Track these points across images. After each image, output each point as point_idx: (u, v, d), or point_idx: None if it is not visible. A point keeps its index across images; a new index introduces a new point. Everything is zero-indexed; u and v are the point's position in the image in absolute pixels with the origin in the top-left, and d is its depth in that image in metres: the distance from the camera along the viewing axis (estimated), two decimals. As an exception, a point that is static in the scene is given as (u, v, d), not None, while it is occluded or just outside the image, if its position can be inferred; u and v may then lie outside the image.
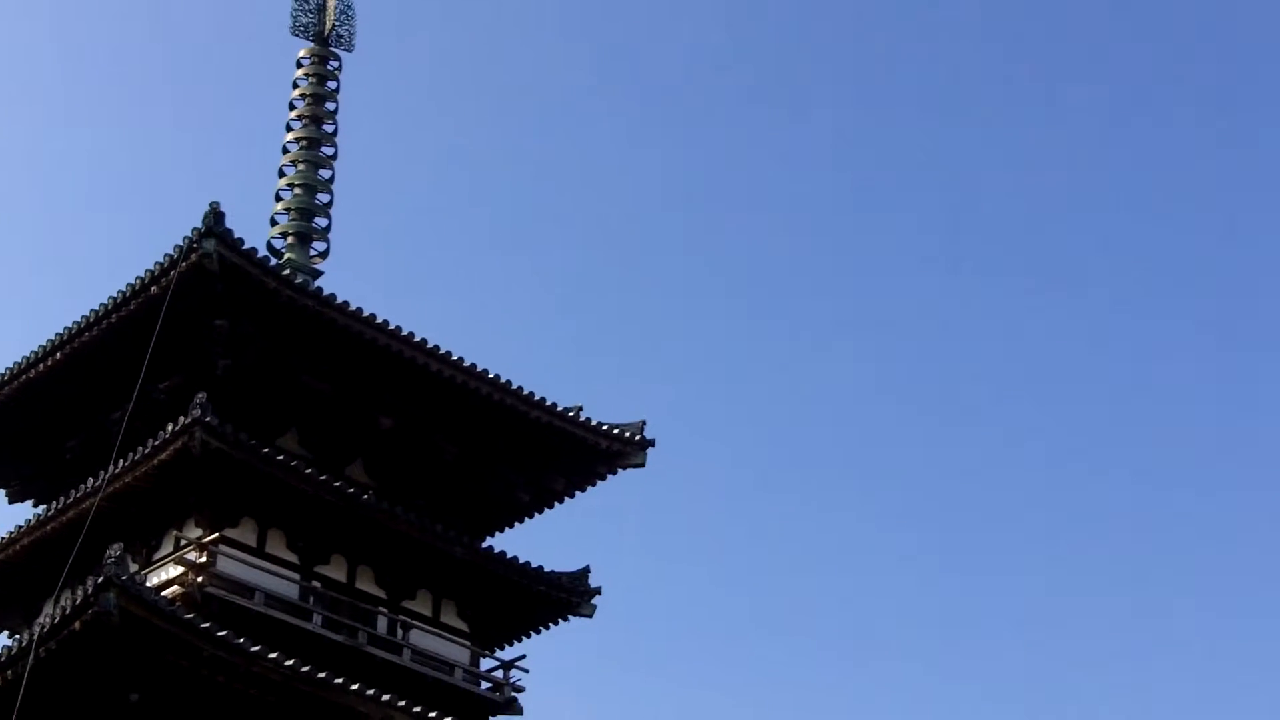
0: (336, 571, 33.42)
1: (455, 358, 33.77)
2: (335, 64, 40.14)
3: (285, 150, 39.19)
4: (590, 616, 35.54)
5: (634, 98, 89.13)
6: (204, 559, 31.20)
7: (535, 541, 39.69)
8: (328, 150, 39.31)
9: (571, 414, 35.42)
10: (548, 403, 35.01)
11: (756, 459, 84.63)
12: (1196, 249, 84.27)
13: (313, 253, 38.05)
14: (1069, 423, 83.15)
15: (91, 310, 32.44)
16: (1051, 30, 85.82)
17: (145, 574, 30.85)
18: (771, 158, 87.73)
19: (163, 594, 29.33)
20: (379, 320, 32.93)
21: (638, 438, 35.88)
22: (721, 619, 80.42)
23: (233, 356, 32.78)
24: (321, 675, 28.77)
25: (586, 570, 35.41)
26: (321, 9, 40.20)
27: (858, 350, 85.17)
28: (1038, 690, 75.85)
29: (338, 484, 32.16)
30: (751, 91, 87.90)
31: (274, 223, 38.27)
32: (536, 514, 37.76)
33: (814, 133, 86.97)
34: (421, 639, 33.96)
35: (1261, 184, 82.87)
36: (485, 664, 35.17)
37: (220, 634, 27.71)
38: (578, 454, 36.18)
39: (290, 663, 28.44)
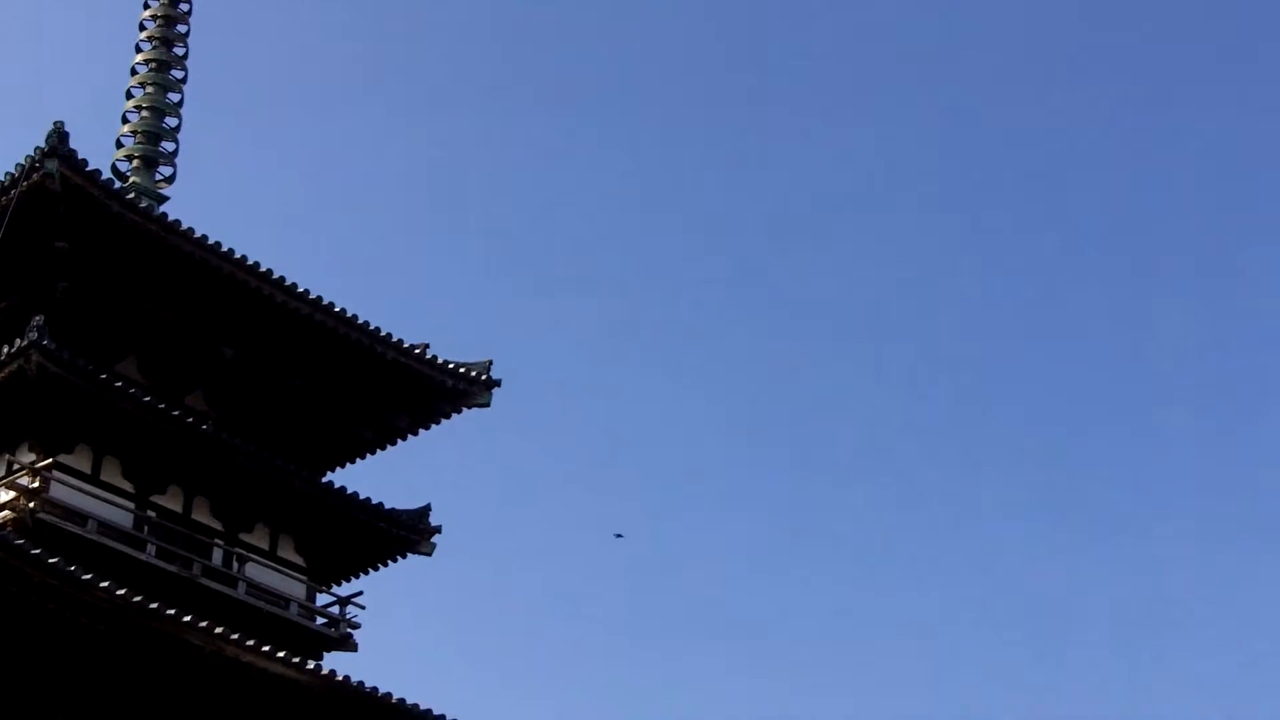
0: (172, 502, 33.00)
1: (300, 290, 33.38)
2: (188, -15, 39.28)
3: (134, 72, 38.40)
4: (429, 555, 35.45)
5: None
6: (37, 484, 30.65)
7: (377, 478, 39.36)
8: (177, 74, 38.56)
9: (418, 351, 35.21)
10: (394, 339, 34.77)
11: (604, 403, 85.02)
12: (1195, 250, 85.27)
13: (158, 177, 37.36)
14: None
15: (-73, 227, 31.58)
16: (1052, 30, 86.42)
17: (-25, 498, 30.30)
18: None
19: (-8, 519, 28.83)
20: (224, 248, 32.45)
21: (484, 377, 35.76)
22: (562, 562, 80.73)
23: (72, 280, 32.16)
24: (154, 606, 28.42)
25: (427, 508, 35.29)
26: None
27: (709, 298, 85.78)
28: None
29: (175, 413, 31.70)
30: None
31: (120, 145, 37.52)
32: (379, 450, 37.57)
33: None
34: (258, 573, 33.66)
35: (1262, 185, 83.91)
36: (321, 600, 34.96)
37: (51, 561, 27.25)
38: (423, 392, 36.00)
39: (122, 592, 28.05)
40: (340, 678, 30.91)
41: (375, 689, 31.34)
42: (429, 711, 32.14)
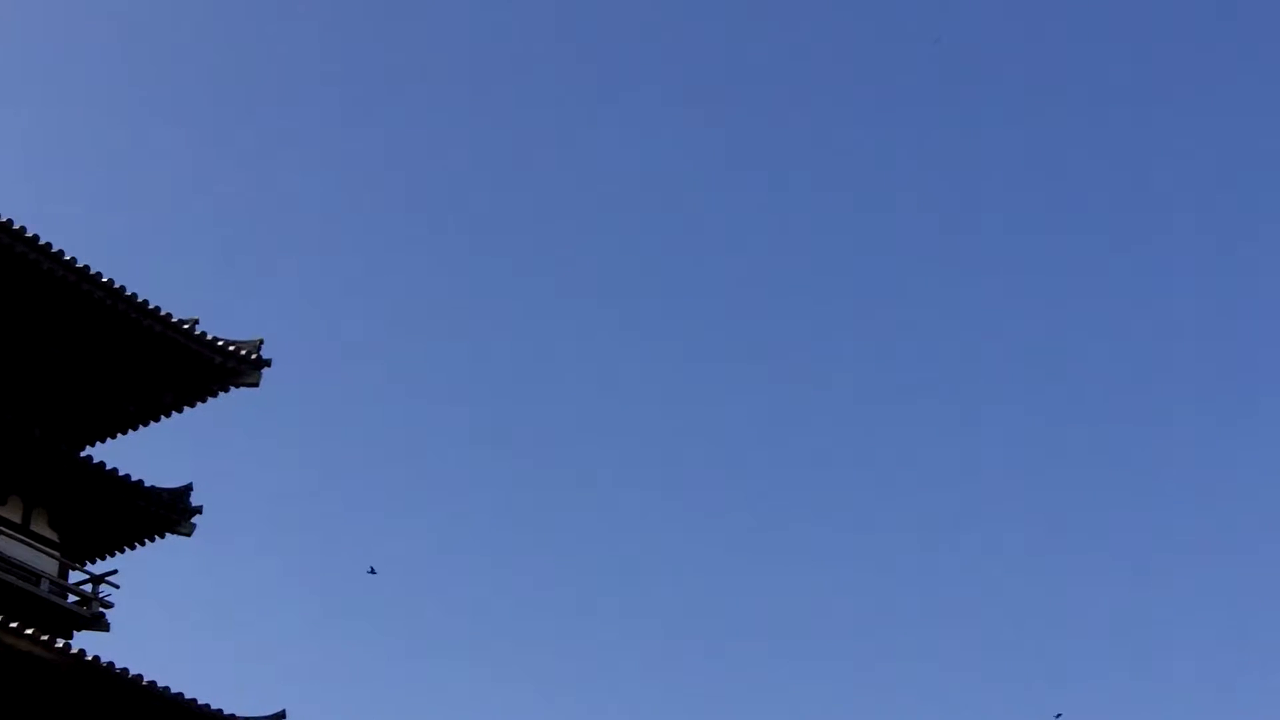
0: (-81, 469, 31.90)
1: (67, 257, 32.40)
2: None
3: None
4: (189, 535, 34.67)
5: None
6: None
7: (139, 455, 38.44)
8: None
9: (186, 325, 34.37)
10: (161, 312, 33.89)
11: (379, 386, 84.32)
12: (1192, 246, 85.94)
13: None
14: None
15: None
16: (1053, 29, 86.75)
17: None
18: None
19: None
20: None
21: (254, 356, 35.03)
22: (330, 550, 79.94)
23: None
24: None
25: (188, 488, 34.51)
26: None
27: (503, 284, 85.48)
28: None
29: (-73, 378, 30.62)
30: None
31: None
32: (143, 426, 36.60)
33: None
34: (8, 546, 32.62)
35: (1261, 184, 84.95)
36: (74, 577, 34.00)
37: None
38: (190, 368, 35.14)
39: None
40: (89, 657, 30.09)
41: (125, 670, 30.57)
42: (180, 695, 31.44)
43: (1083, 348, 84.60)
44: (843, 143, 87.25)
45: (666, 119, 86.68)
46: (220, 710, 32.10)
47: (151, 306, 33.71)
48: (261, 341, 35.09)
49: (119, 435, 36.55)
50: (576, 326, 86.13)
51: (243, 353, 34.90)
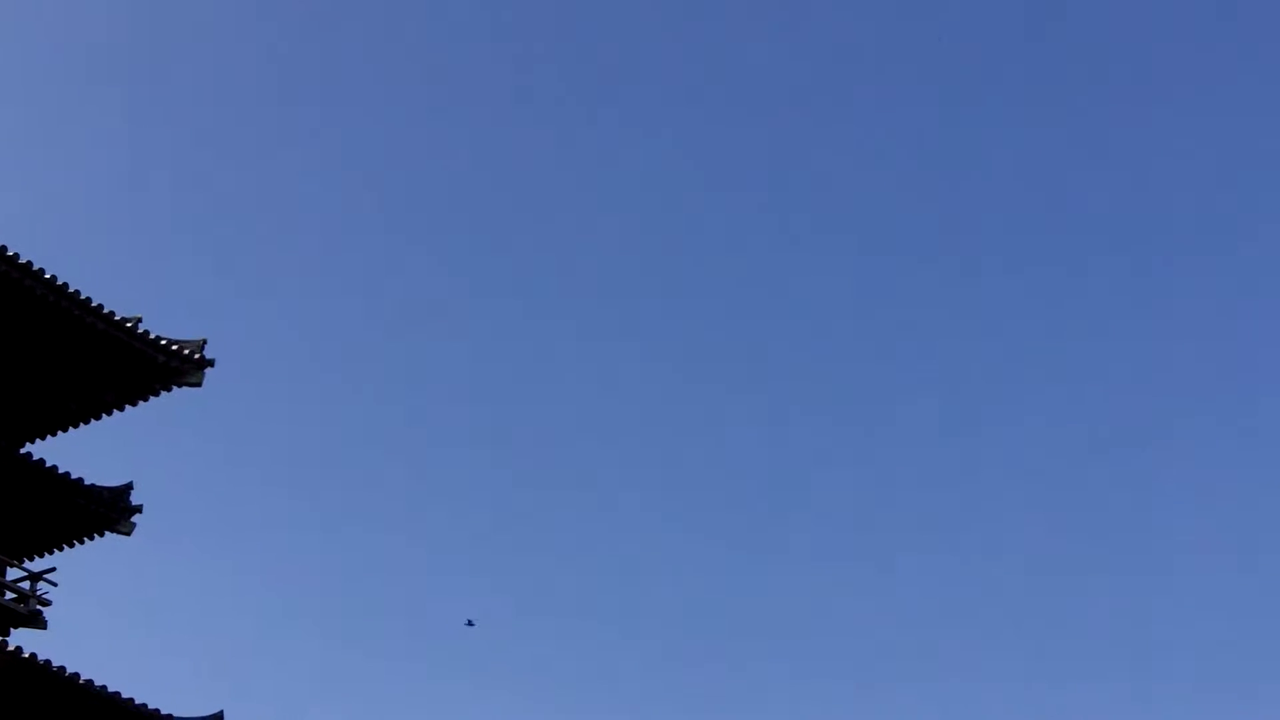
0: None
1: (10, 253, 32.23)
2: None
3: None
4: (128, 534, 34.51)
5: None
6: None
7: (81, 452, 38.17)
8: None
9: (130, 324, 34.24)
10: (105, 310, 33.76)
11: (328, 384, 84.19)
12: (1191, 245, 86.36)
13: None
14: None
15: None
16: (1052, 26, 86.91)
17: None
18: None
19: None
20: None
21: (196, 356, 34.91)
22: (271, 551, 79.72)
23: None
24: None
25: (129, 487, 34.38)
26: None
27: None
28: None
29: None
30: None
31: None
32: (84, 424, 36.39)
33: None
34: (-56, 543, 32.47)
35: (1259, 182, 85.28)
36: (12, 574, 33.77)
37: None
38: (133, 367, 34.98)
39: None
40: (26, 654, 29.96)
41: (62, 668, 30.48)
42: (117, 694, 31.36)
43: (1083, 347, 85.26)
44: (842, 142, 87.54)
45: (665, 119, 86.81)
46: (158, 710, 32.02)
47: (95, 304, 33.57)
48: (204, 341, 34.99)
49: (59, 433, 36.35)
50: (559, 328, 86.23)
51: (185, 352, 34.79)
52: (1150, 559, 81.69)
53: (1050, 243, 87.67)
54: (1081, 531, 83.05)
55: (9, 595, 33.18)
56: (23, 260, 32.43)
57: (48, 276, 32.81)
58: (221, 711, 33.13)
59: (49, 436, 36.30)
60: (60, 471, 33.33)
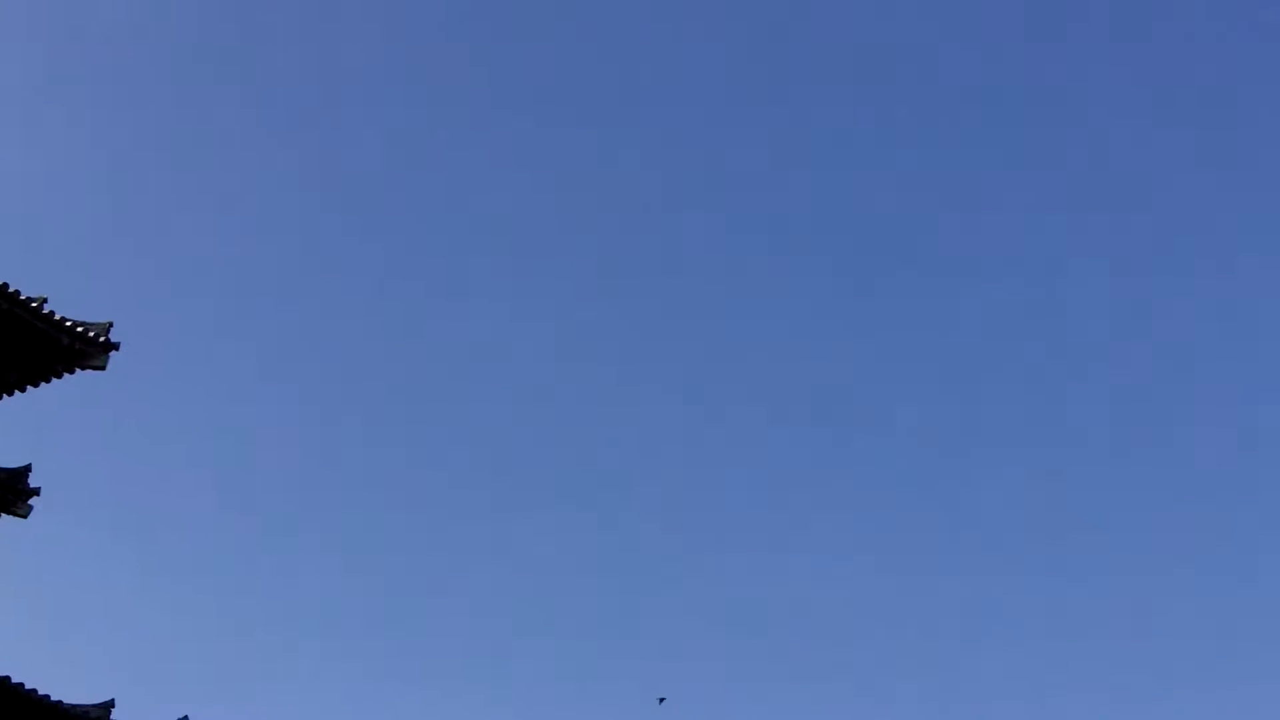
0: None
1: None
2: None
3: None
4: (25, 517, 33.99)
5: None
6: None
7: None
8: None
9: (34, 304, 33.75)
10: (9, 289, 33.25)
11: (236, 369, 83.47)
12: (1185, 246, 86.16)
13: None
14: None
15: None
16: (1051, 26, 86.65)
17: None
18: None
19: None
20: None
21: (101, 339, 34.48)
22: (171, 538, 78.93)
23: None
24: None
25: (27, 469, 33.87)
26: None
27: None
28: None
29: None
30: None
31: None
32: (-16, 403, 35.90)
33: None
34: None
35: (1260, 181, 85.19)
36: (-98, 554, 33.29)
37: None
38: (36, 347, 34.48)
39: None
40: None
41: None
42: (7, 678, 30.90)
43: (1083, 345, 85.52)
44: (842, 142, 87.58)
45: (666, 118, 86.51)
46: (47, 696, 31.59)
47: (-1, 283, 33.11)
48: (110, 324, 34.55)
49: (-42, 411, 35.84)
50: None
51: (91, 334, 34.35)
52: (1151, 559, 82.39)
53: (1051, 243, 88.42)
54: (1082, 531, 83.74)
55: (-101, 575, 32.66)
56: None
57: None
58: (112, 700, 32.73)
59: (-54, 415, 35.79)
60: (-44, 451, 32.83)
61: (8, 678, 30.92)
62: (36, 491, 33.85)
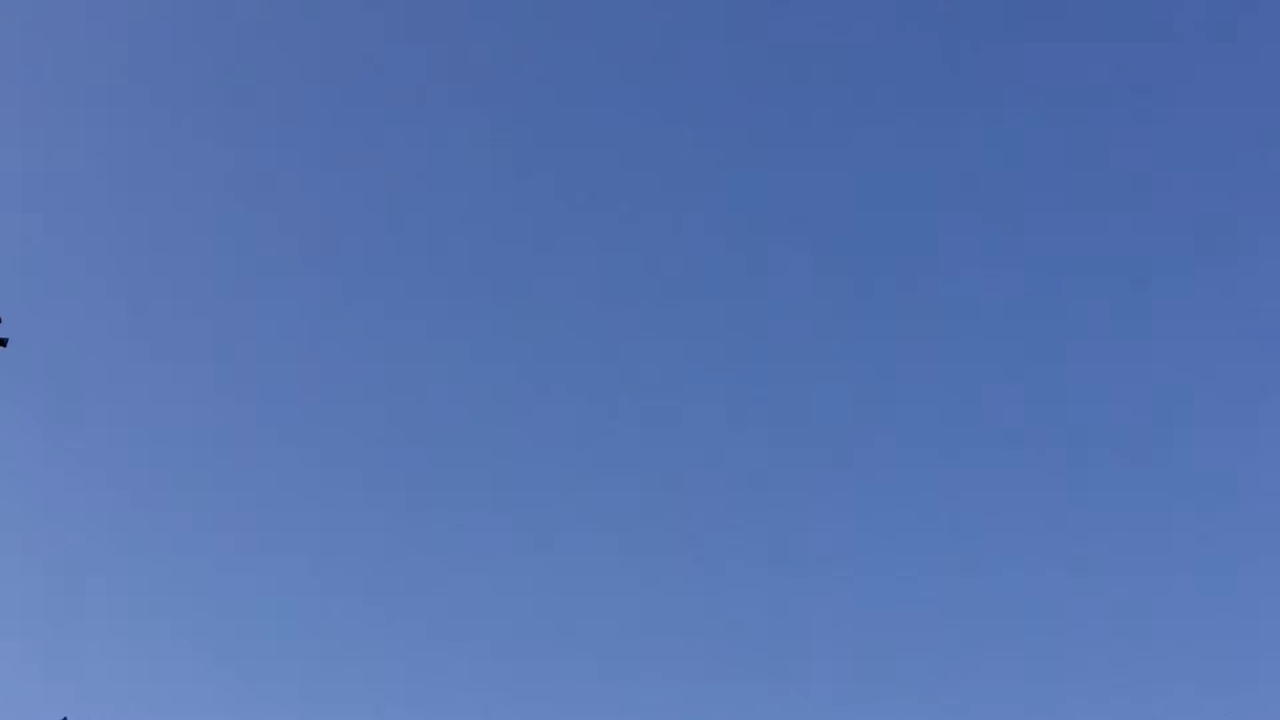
0: None
1: None
2: None
3: None
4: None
5: None
6: None
7: None
8: None
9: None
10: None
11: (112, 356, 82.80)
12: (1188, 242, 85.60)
13: None
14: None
15: None
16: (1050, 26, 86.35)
17: None
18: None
19: None
20: None
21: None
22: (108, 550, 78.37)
23: None
24: None
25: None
26: None
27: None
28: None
29: None
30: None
31: None
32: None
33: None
34: None
35: (1259, 181, 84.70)
36: None
37: None
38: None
39: None
40: None
41: None
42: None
43: (1083, 345, 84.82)
44: (841, 140, 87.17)
45: (665, 118, 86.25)
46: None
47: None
48: (-2, 320, 34.01)
49: None
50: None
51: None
52: (1151, 559, 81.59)
53: (1050, 243, 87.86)
54: (1082, 531, 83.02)
55: None
56: None
57: None
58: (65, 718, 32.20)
59: None
60: None
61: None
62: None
